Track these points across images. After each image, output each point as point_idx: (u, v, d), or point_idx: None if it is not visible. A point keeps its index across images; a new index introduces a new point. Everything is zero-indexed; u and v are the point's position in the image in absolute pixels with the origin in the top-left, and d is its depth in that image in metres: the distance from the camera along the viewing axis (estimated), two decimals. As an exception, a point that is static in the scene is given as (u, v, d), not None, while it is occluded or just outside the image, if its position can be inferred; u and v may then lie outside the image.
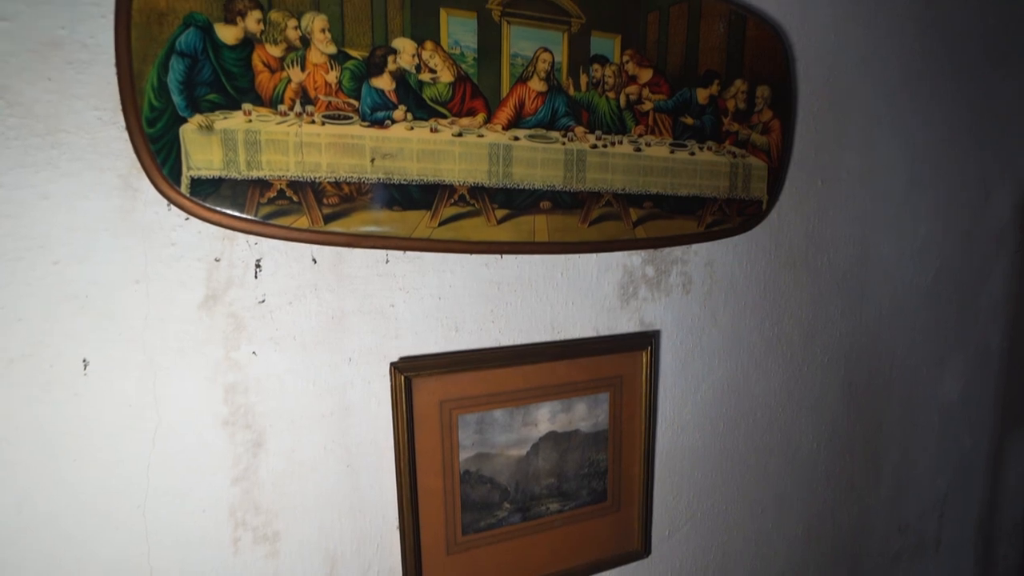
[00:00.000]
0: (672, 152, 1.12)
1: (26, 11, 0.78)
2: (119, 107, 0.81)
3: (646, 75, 1.08)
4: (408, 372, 0.97)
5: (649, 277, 1.19)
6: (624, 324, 1.18)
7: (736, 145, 1.19)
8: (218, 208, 0.85)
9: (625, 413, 1.17)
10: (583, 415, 1.13)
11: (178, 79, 0.81)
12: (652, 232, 1.13)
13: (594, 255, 1.13)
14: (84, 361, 0.83)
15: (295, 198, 0.89)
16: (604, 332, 1.16)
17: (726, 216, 1.20)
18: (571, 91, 1.03)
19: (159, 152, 0.81)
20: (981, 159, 1.61)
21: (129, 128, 0.80)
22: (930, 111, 1.49)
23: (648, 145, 1.10)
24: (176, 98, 0.81)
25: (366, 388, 0.99)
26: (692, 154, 1.14)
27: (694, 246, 1.22)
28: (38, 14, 0.78)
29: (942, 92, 1.50)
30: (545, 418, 1.10)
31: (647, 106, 1.09)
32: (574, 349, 1.11)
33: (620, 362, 1.15)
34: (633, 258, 1.17)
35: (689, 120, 1.14)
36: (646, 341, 1.17)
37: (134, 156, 0.82)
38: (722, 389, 1.31)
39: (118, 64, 0.79)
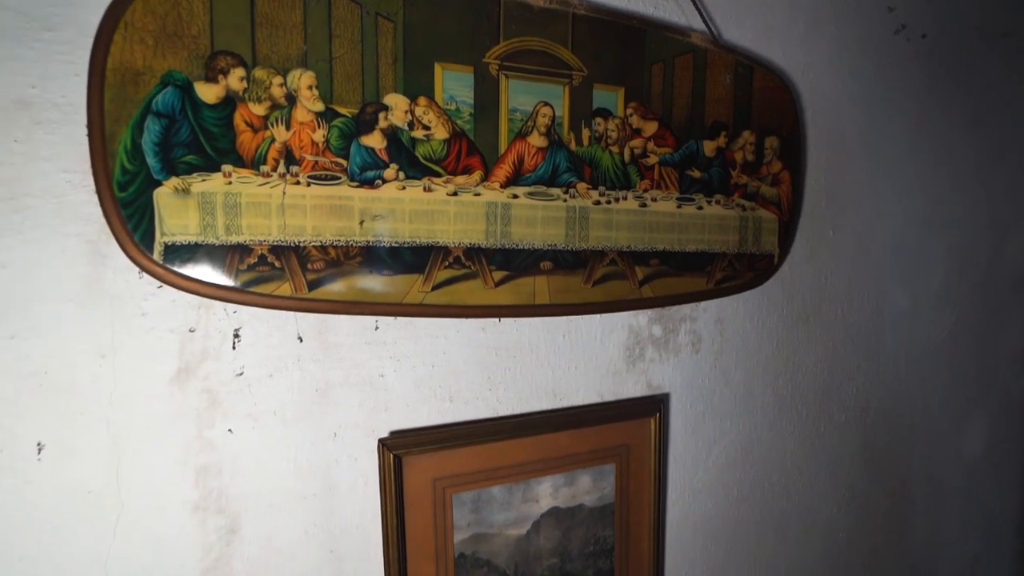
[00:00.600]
0: (679, 207, 1.07)
1: (-8, 70, 0.73)
2: (90, 169, 0.75)
3: (651, 128, 1.04)
4: (398, 449, 0.89)
5: (656, 337, 1.12)
6: (631, 388, 1.10)
7: (745, 198, 1.14)
8: (194, 276, 0.79)
9: (632, 484, 1.09)
10: (587, 488, 1.05)
11: (154, 140, 0.76)
12: (659, 291, 1.06)
13: (598, 316, 1.06)
14: (39, 444, 0.76)
15: (277, 264, 0.82)
16: (609, 397, 1.08)
17: (736, 271, 1.14)
18: (573, 146, 0.98)
19: (131, 217, 0.76)
20: (995, 205, 1.56)
21: (99, 192, 0.75)
22: (941, 157, 1.45)
23: (654, 200, 1.05)
24: (151, 160, 0.76)
25: (352, 466, 0.91)
26: (700, 208, 1.09)
27: (703, 303, 1.16)
28: (7, 70, 0.73)
29: (953, 137, 1.46)
30: (547, 493, 1.01)
31: (652, 160, 1.04)
32: (577, 417, 1.03)
33: (627, 430, 1.07)
34: (639, 317, 1.10)
35: (696, 173, 1.09)
36: (654, 406, 1.09)
37: (104, 221, 0.76)
38: (735, 453, 1.23)
39: (89, 125, 0.74)
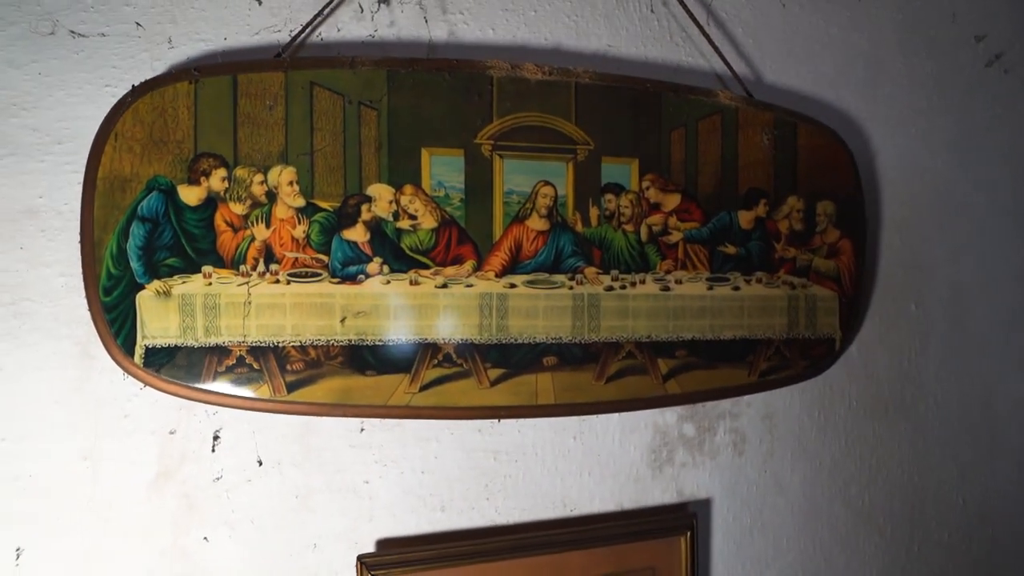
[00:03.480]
0: (710, 288, 0.93)
1: (7, 182, 0.77)
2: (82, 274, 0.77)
3: (672, 201, 0.92)
4: (378, 569, 0.81)
5: (688, 437, 0.97)
6: (657, 496, 0.95)
7: (794, 274, 0.97)
8: (173, 378, 0.77)
9: (660, 616, 0.92)
10: (603, 619, 0.90)
11: (138, 244, 0.76)
12: (688, 386, 0.92)
13: (616, 414, 0.93)
14: (18, 550, 0.75)
15: (256, 365, 0.79)
16: (629, 506, 0.94)
17: (786, 360, 0.96)
18: (579, 227, 0.88)
19: (114, 321, 0.75)
20: None
21: (88, 296, 0.75)
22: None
23: (679, 283, 0.92)
24: (135, 264, 0.76)
25: (332, 582, 0.83)
26: (736, 288, 0.94)
27: (747, 397, 0.99)
28: (19, 183, 0.77)
29: None
30: (553, 623, 0.88)
31: (675, 237, 0.92)
32: (590, 533, 0.89)
33: (653, 549, 0.91)
34: (666, 415, 0.95)
35: (730, 249, 0.94)
36: (686, 518, 0.93)
37: (92, 325, 0.76)
38: (796, 577, 1.02)
39: (82, 232, 0.75)
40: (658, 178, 0.91)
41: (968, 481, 1.12)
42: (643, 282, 0.90)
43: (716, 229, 0.93)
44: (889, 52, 1.08)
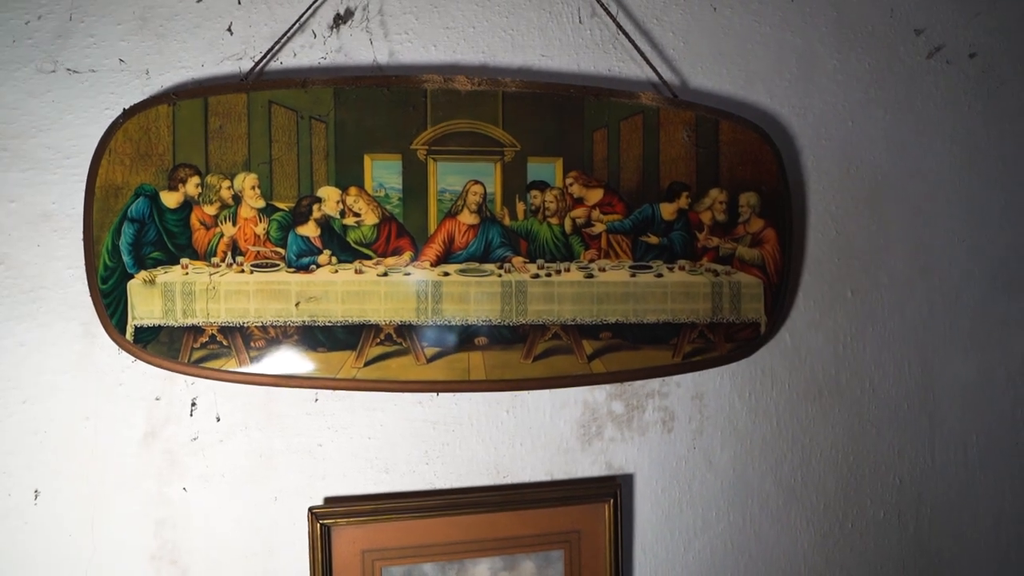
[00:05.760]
0: (633, 276, 1.01)
1: (28, 191, 0.94)
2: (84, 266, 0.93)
3: (595, 196, 1.00)
4: (326, 519, 0.93)
5: (617, 414, 1.05)
6: (586, 467, 1.04)
7: (717, 262, 1.03)
8: (157, 354, 0.92)
9: (586, 575, 1.01)
10: (531, 574, 0.99)
11: (128, 242, 0.91)
12: (613, 365, 1.00)
13: (547, 391, 1.02)
14: (36, 492, 0.92)
15: (225, 342, 0.93)
16: (560, 476, 1.03)
17: (710, 343, 1.03)
18: (507, 221, 0.98)
19: (109, 305, 0.91)
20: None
21: (89, 284, 0.91)
22: (1014, 197, 1.19)
23: (602, 270, 1.00)
24: (125, 257, 0.91)
25: (290, 530, 0.97)
26: (660, 276, 1.01)
27: (676, 377, 1.06)
28: (37, 192, 0.94)
29: (1009, 158, 1.19)
30: (485, 575, 0.98)
31: (598, 228, 1.00)
32: (520, 496, 0.99)
33: (577, 514, 1.00)
34: (596, 393, 1.04)
35: (653, 239, 1.02)
36: (610, 489, 1.01)
37: (93, 308, 0.92)
38: (724, 548, 1.08)
39: (84, 231, 0.91)
40: (581, 175, 1.00)
41: (906, 461, 1.15)
42: (568, 270, 0.99)
43: (638, 220, 1.01)
44: (824, 48, 1.12)
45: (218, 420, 0.95)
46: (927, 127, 1.16)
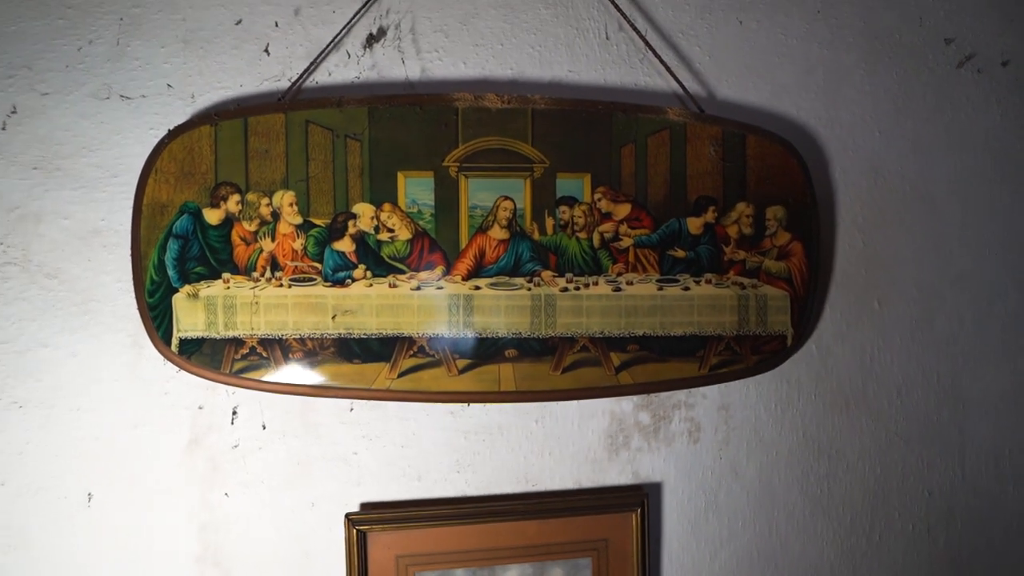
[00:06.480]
0: (660, 289, 1.02)
1: (79, 209, 0.98)
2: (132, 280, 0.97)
3: (623, 211, 1.02)
4: (362, 525, 0.97)
5: (644, 425, 1.06)
6: (614, 477, 1.06)
7: (744, 275, 1.04)
8: (200, 364, 0.96)
9: (613, 582, 1.03)
10: (560, 581, 1.01)
11: (173, 257, 0.95)
12: (640, 377, 1.01)
13: (575, 402, 1.04)
14: (89, 495, 0.97)
15: (264, 354, 0.96)
16: (587, 484, 1.05)
17: (736, 355, 1.04)
18: (536, 236, 1.00)
19: (156, 318, 0.95)
20: None
21: (136, 298, 0.95)
22: (1049, 207, 1.17)
23: (630, 284, 1.02)
24: (171, 272, 0.95)
25: (327, 535, 1.00)
26: (687, 289, 1.02)
27: (703, 388, 1.07)
28: (89, 209, 0.98)
29: None
30: (514, 581, 1.01)
31: (626, 243, 1.02)
32: (548, 505, 1.01)
33: (606, 522, 1.02)
34: (623, 404, 1.06)
35: (680, 253, 1.03)
36: (637, 498, 1.03)
37: (140, 320, 0.96)
38: (750, 558, 1.09)
39: (132, 247, 0.95)
40: (609, 190, 1.01)
41: (936, 473, 1.14)
42: (596, 283, 1.01)
43: (666, 235, 1.03)
44: (852, 59, 1.12)
45: (263, 428, 0.99)
46: (957, 137, 1.15)
